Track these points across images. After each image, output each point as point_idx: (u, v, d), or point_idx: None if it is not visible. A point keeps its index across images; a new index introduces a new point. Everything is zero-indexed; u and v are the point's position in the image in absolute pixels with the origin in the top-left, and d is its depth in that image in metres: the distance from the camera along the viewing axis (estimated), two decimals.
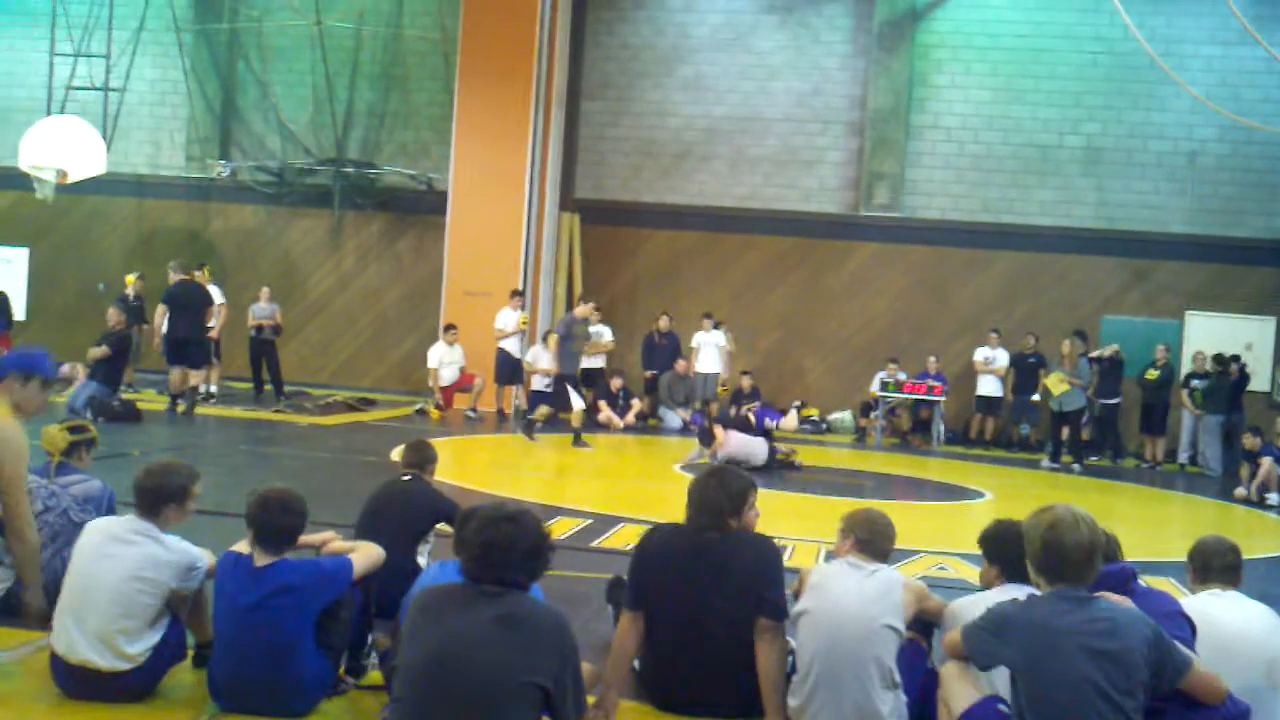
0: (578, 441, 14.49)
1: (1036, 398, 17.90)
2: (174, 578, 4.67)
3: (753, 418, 13.45)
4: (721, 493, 4.73)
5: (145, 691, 4.66)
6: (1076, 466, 16.35)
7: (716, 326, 18.89)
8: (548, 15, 18.88)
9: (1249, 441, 15.12)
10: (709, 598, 4.59)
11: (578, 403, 14.55)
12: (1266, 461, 14.26)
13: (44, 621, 4.90)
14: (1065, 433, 16.66)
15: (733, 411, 18.07)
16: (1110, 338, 18.50)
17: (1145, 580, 7.71)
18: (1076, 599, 3.73)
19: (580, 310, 14.79)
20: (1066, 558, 3.75)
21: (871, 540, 4.68)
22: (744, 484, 4.82)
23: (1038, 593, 3.91)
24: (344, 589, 4.70)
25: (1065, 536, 3.75)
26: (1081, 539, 3.75)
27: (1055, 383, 16.51)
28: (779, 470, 13.35)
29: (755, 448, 13.24)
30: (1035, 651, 3.67)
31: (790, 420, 13.30)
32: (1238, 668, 4.24)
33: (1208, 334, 18.75)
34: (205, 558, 4.81)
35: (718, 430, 12.95)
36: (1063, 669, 3.60)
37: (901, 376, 18.55)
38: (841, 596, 4.48)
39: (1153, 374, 17.71)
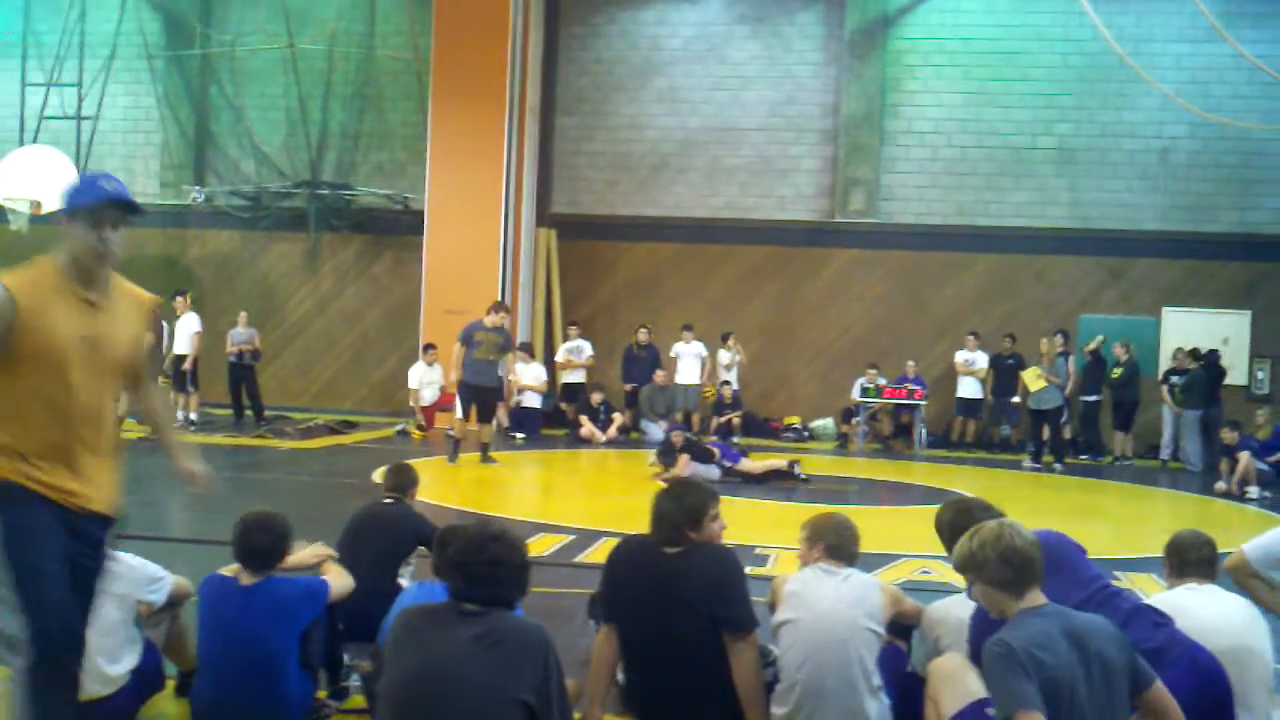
0: (484, 458, 14.14)
1: (1017, 399, 17.98)
2: (137, 588, 4.68)
3: (716, 452, 13.54)
4: (675, 506, 4.70)
5: None
6: (1058, 466, 16.41)
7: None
8: (520, 32, 18.87)
9: (1228, 436, 15.18)
10: (671, 611, 4.57)
11: (486, 418, 14.26)
12: (1245, 456, 14.35)
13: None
14: (1045, 432, 16.72)
15: (713, 424, 18.23)
16: (1088, 337, 18.56)
17: (1129, 577, 7.84)
18: (1060, 613, 3.59)
19: (489, 319, 14.27)
20: (1031, 558, 3.63)
21: (841, 545, 4.70)
22: (700, 496, 4.78)
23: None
24: (321, 608, 4.73)
25: (1016, 541, 3.64)
26: (1028, 538, 3.68)
27: (1032, 378, 16.56)
28: (781, 482, 13.30)
29: (709, 475, 13.21)
30: (1072, 670, 3.41)
31: (747, 464, 13.42)
32: None
33: (1184, 330, 18.84)
34: (171, 577, 4.84)
35: (682, 458, 12.99)
36: (1091, 684, 3.43)
37: (881, 381, 18.61)
38: (821, 602, 4.49)
39: (1117, 371, 17.77)
